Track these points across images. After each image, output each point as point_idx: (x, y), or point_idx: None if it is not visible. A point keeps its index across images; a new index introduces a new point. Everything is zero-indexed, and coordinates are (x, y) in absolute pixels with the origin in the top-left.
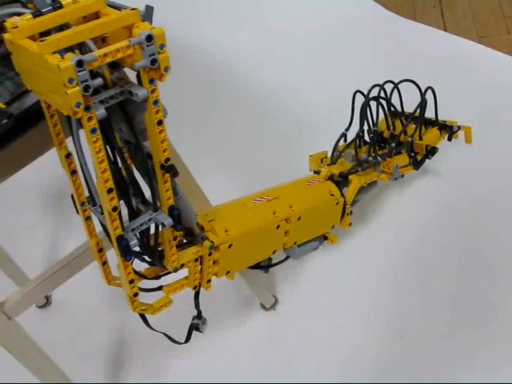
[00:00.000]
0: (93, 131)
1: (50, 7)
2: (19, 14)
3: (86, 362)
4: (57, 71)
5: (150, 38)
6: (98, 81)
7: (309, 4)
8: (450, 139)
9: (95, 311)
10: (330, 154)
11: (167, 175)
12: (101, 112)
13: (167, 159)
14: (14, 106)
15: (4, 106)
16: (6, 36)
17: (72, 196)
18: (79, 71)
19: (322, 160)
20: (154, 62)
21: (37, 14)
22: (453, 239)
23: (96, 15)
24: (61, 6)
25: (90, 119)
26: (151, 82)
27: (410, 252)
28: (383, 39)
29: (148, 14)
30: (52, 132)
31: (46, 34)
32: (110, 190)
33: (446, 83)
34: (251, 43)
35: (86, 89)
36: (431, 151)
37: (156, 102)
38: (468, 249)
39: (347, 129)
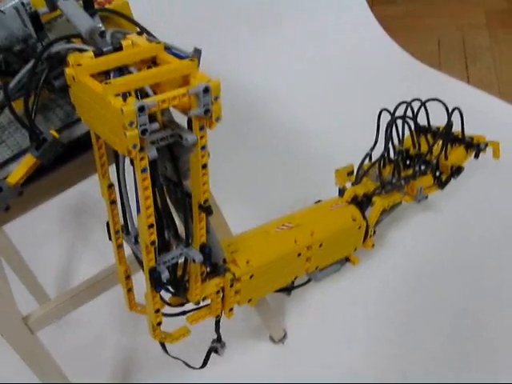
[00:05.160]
0: (143, 170)
1: (111, 47)
2: (81, 50)
3: (94, 379)
4: (119, 114)
5: (206, 89)
6: (155, 125)
7: (339, 49)
8: (476, 157)
9: (106, 330)
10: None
11: (203, 214)
12: (153, 153)
13: (206, 200)
14: (64, 135)
15: (58, 135)
16: (67, 70)
17: (107, 223)
18: (140, 115)
19: (348, 174)
20: (207, 111)
21: (98, 52)
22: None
23: (153, 58)
24: (121, 48)
25: (142, 159)
26: (201, 128)
27: (415, 285)
28: (407, 85)
29: (196, 56)
30: (98, 163)
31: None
32: (150, 226)
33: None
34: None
35: (143, 132)
36: (457, 171)
37: (203, 147)
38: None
39: (372, 148)
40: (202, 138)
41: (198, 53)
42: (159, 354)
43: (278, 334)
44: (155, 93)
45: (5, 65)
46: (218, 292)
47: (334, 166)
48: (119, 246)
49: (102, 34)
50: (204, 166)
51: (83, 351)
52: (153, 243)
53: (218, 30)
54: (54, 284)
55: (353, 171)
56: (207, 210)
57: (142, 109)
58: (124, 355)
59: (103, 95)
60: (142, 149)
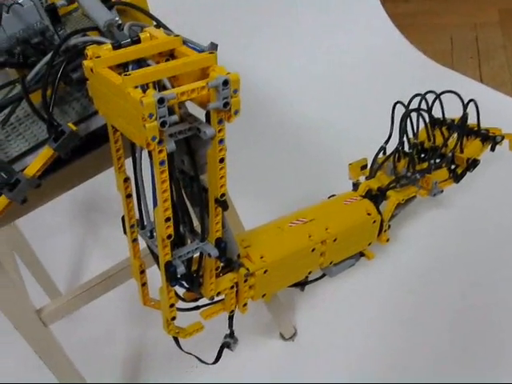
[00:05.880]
0: (161, 163)
1: (129, 40)
2: (99, 43)
3: (104, 372)
4: (139, 106)
5: (226, 82)
6: (174, 118)
7: (351, 46)
8: (493, 149)
9: (117, 323)
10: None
11: (219, 209)
12: (171, 146)
13: (223, 195)
14: (81, 128)
15: (75, 128)
16: (85, 63)
17: (122, 218)
18: (159, 107)
19: (361, 168)
20: (226, 104)
21: (116, 45)
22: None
23: (171, 51)
24: (139, 40)
25: (160, 151)
26: (220, 122)
27: (430, 279)
28: (419, 82)
29: (213, 50)
30: (114, 156)
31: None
32: (167, 219)
33: None
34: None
35: (163, 124)
36: (472, 164)
37: (221, 141)
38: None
39: (386, 142)
40: (220, 131)
41: (214, 47)
42: (169, 348)
43: (288, 331)
44: (173, 86)
45: (22, 57)
46: (232, 287)
47: (347, 161)
48: (134, 241)
49: (120, 27)
50: (221, 160)
51: (93, 344)
52: (169, 237)
53: (232, 24)
54: (64, 278)
55: (366, 165)
56: (223, 204)
57: (161, 101)
58: (134, 349)
59: (122, 87)
60: (160, 141)
